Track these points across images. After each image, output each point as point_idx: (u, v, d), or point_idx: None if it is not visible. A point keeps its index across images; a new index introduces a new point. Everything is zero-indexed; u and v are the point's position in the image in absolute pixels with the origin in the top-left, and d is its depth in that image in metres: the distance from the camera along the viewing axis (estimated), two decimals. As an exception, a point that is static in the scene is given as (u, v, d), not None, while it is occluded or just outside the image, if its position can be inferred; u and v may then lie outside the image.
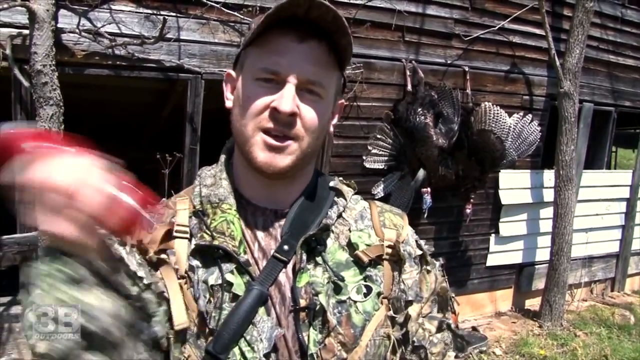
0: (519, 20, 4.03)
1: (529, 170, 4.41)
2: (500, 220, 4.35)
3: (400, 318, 0.77)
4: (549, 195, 4.40)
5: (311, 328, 0.71)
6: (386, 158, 3.66)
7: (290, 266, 0.74)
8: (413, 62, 3.65)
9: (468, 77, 3.87)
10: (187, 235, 0.74)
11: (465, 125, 3.68)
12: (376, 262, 0.78)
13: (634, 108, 5.16)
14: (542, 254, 4.57)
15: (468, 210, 3.79)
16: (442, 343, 0.80)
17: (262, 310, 0.70)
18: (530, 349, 3.87)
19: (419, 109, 3.49)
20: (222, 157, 0.82)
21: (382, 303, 0.77)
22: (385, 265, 0.79)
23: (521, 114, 3.97)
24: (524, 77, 4.23)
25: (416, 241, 0.85)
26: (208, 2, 2.86)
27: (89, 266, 0.58)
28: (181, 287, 0.70)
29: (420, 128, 3.45)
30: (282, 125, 0.70)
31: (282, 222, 0.77)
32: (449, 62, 3.85)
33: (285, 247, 0.74)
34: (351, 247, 0.77)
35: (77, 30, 2.59)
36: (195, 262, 0.72)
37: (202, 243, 0.72)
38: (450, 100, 3.64)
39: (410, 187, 3.66)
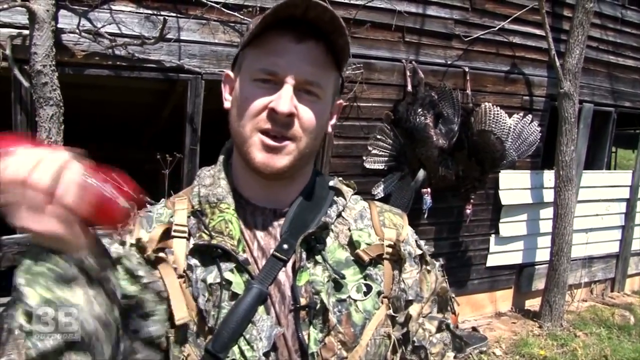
0: (519, 21, 4.03)
1: (529, 171, 4.41)
2: (500, 220, 4.35)
3: (400, 317, 0.77)
4: (549, 195, 4.40)
5: (311, 327, 0.71)
6: (386, 158, 3.66)
7: (289, 265, 0.74)
8: (413, 62, 3.65)
9: (468, 78, 3.87)
10: (186, 235, 0.74)
11: (466, 125, 3.67)
12: (376, 261, 0.78)
13: (634, 108, 5.16)
14: (542, 255, 4.57)
15: (468, 211, 3.79)
16: (441, 343, 0.81)
17: (261, 309, 0.70)
18: (530, 350, 3.86)
19: (419, 110, 3.49)
20: (221, 158, 0.82)
21: (382, 302, 0.76)
22: (386, 265, 0.78)
23: (521, 114, 3.96)
24: (524, 77, 4.23)
25: (416, 241, 0.85)
26: (208, 2, 2.87)
27: (79, 264, 0.57)
28: (180, 285, 0.70)
29: (420, 128, 3.45)
30: (280, 126, 0.70)
31: (282, 221, 0.77)
32: (449, 62, 3.85)
33: (285, 245, 0.74)
34: (352, 246, 0.77)
35: (77, 31, 2.59)
36: (194, 261, 0.72)
37: (201, 242, 0.72)
38: (450, 101, 3.64)
39: (411, 187, 3.66)
